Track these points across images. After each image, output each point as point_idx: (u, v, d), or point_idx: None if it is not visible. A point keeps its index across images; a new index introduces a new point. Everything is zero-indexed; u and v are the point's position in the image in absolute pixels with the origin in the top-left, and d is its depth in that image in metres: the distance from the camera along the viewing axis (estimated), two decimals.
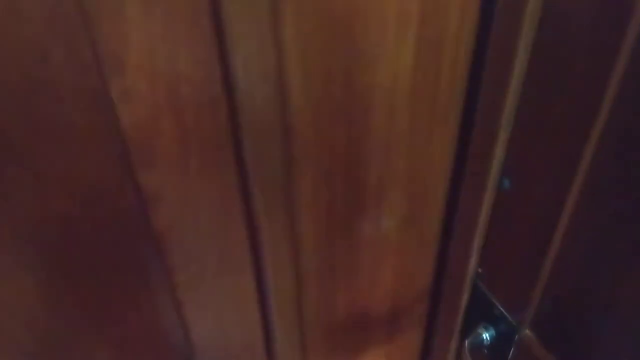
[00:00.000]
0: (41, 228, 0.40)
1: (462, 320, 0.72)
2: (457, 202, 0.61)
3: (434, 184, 0.60)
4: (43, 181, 0.39)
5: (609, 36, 0.41)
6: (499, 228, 0.64)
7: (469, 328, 0.71)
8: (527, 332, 0.66)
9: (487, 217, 0.62)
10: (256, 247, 0.52)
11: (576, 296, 0.61)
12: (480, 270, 0.70)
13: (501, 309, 0.67)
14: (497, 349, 0.68)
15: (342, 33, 0.43)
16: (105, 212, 0.43)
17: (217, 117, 0.42)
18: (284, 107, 0.44)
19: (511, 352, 0.66)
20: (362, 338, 0.70)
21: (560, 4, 0.45)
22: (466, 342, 0.69)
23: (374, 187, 0.56)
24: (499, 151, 0.53)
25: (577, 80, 0.45)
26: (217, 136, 0.43)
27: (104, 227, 0.43)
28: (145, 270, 0.48)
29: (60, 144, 0.38)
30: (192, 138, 0.42)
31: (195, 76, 0.39)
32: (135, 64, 0.37)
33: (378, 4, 0.43)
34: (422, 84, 0.50)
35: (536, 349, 0.65)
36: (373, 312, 0.68)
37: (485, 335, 0.68)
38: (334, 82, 0.45)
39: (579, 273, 0.59)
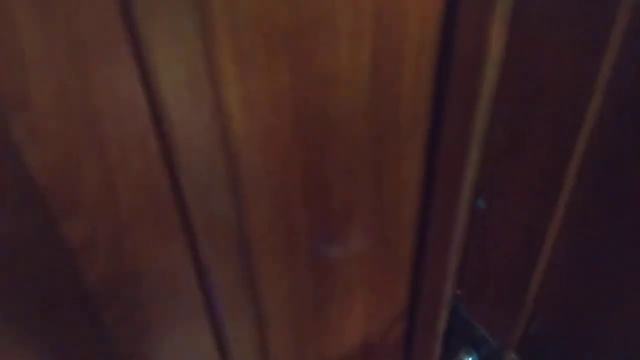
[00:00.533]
0: None
1: (441, 346, 0.67)
2: (429, 223, 0.57)
3: (403, 205, 0.55)
4: None
5: (591, 42, 0.37)
6: (477, 248, 0.60)
7: (449, 354, 0.66)
8: (513, 356, 0.62)
9: (464, 237, 0.58)
10: (208, 291, 0.46)
11: (565, 318, 0.58)
12: (459, 292, 0.65)
13: (483, 332, 0.63)
14: None
15: (288, 49, 0.38)
16: (27, 271, 0.37)
17: (147, 153, 0.36)
18: (226, 135, 0.39)
19: None
20: None
21: (532, 9, 0.41)
22: None
23: (339, 213, 0.51)
24: (470, 170, 0.48)
25: (555, 94, 0.41)
26: (149, 174, 0.37)
27: (28, 287, 0.38)
28: (83, 329, 0.42)
29: None
30: (119, 179, 0.36)
31: (117, 110, 0.34)
32: (41, 99, 0.31)
33: (327, 17, 0.38)
34: (383, 101, 0.45)
35: None
36: (345, 345, 0.63)
37: None
38: (283, 104, 0.40)
39: (567, 294, 0.55)
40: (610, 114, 0.39)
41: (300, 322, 0.57)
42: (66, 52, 0.31)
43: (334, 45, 0.40)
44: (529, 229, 0.54)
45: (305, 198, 0.47)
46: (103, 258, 0.40)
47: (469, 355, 0.64)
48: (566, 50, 0.39)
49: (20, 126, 0.32)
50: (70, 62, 0.31)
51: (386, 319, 0.66)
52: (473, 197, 0.51)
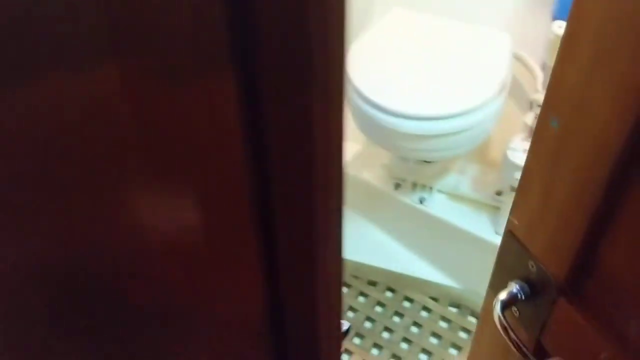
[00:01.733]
0: None
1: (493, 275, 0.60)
2: None
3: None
4: None
5: None
6: (536, 174, 0.53)
7: (499, 283, 0.60)
8: (568, 291, 0.54)
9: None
10: None
11: (628, 250, 0.48)
12: (516, 222, 0.56)
13: (539, 264, 0.55)
14: (531, 309, 0.57)
15: None
16: None
17: None
18: None
19: (549, 313, 0.55)
20: None
21: None
22: (499, 298, 0.59)
23: None
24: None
25: None
26: None
27: None
28: None
29: None
30: None
31: None
32: None
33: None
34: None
35: (577, 312, 0.54)
36: None
37: (520, 294, 0.57)
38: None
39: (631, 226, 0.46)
40: None
41: None
42: None
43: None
44: (600, 148, 0.45)
45: None
46: None
47: (521, 288, 0.56)
48: None
49: None
50: None
51: None
52: None
